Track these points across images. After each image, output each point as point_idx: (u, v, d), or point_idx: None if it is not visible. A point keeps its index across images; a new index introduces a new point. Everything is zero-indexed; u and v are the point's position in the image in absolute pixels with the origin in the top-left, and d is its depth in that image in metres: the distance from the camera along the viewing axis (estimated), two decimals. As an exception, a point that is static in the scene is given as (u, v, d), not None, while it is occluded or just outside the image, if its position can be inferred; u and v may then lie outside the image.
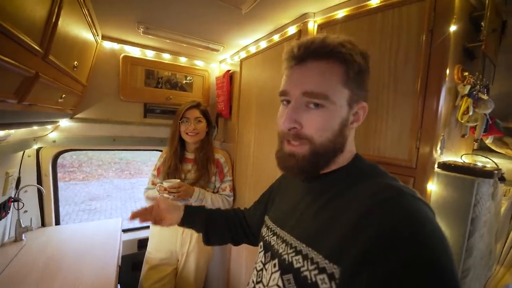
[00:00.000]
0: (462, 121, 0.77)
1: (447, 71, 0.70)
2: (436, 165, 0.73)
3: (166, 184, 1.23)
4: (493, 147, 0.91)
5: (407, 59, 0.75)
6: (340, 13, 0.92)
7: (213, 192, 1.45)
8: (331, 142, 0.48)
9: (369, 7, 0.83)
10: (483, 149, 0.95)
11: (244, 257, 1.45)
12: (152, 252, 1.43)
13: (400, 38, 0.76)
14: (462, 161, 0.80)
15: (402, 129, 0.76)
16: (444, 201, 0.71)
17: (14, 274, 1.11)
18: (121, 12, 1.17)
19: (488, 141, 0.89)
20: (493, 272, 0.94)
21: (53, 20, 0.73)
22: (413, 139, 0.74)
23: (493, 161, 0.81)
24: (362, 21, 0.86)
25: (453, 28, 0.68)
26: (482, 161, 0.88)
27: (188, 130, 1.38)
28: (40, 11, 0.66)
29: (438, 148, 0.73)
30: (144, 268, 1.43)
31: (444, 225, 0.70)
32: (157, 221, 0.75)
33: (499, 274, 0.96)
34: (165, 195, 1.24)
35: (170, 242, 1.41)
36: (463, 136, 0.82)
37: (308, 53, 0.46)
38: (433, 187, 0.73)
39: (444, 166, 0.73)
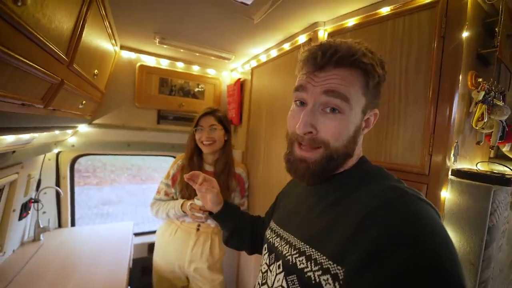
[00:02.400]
0: (477, 128, 0.76)
1: (460, 77, 0.69)
2: (450, 172, 0.72)
3: (199, 202, 1.13)
4: (511, 155, 0.88)
5: (418, 66, 0.75)
6: (351, 22, 0.93)
7: None
8: (345, 147, 0.48)
9: (380, 15, 0.85)
10: (500, 157, 0.92)
11: (253, 262, 1.44)
12: (159, 263, 1.34)
13: (411, 45, 0.77)
14: (477, 169, 0.78)
15: (414, 135, 0.76)
16: (459, 209, 0.69)
17: (32, 273, 1.16)
18: (139, 24, 1.23)
19: (505, 149, 0.86)
20: (515, 287, 0.89)
21: (78, 31, 0.79)
22: (425, 146, 0.73)
23: (511, 169, 0.78)
24: (372, 29, 0.87)
25: (465, 34, 0.68)
26: (499, 169, 0.85)
27: (202, 138, 1.26)
28: (68, 23, 0.71)
29: (451, 155, 0.72)
30: (155, 277, 1.36)
31: (459, 234, 0.68)
32: (203, 195, 0.79)
33: (521, 289, 0.91)
34: (197, 214, 1.17)
35: (178, 257, 1.29)
36: (478, 143, 0.80)
37: (332, 61, 0.45)
38: (447, 195, 0.71)
39: (459, 173, 0.71)
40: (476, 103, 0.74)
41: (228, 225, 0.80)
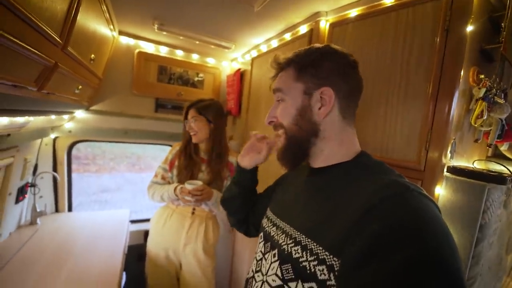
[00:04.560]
0: (476, 125, 0.75)
1: (462, 73, 0.68)
2: (445, 169, 0.71)
3: (189, 186, 1.18)
4: (509, 155, 0.88)
5: (420, 60, 0.74)
6: (353, 12, 0.91)
7: None
8: (295, 125, 0.55)
9: (383, 6, 0.82)
10: (498, 156, 0.91)
11: (247, 252, 1.46)
12: (153, 250, 1.35)
13: (414, 38, 0.75)
14: (473, 167, 0.77)
15: (412, 130, 0.75)
16: (452, 206, 0.69)
17: (28, 256, 1.17)
18: (138, 9, 1.20)
19: (503, 148, 0.85)
20: (503, 284, 0.90)
21: (73, 13, 0.76)
22: (422, 142, 0.72)
23: (508, 169, 0.78)
24: (375, 21, 0.85)
25: (470, 28, 0.66)
26: (496, 168, 0.84)
27: (188, 129, 1.33)
28: (61, 4, 0.69)
29: (448, 152, 0.71)
30: (149, 265, 1.37)
31: (451, 229, 0.68)
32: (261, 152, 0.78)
33: (509, 286, 0.92)
34: (187, 197, 1.20)
35: (173, 241, 1.31)
36: (476, 141, 0.79)
37: (278, 68, 0.61)
38: (442, 191, 0.71)
39: (454, 170, 0.71)
40: (477, 100, 0.73)
41: (246, 184, 0.80)
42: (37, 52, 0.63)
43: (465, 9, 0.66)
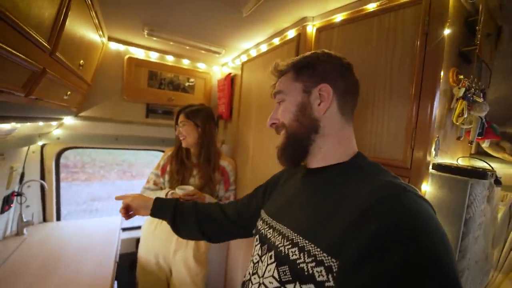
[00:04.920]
0: (457, 123, 0.78)
1: (442, 74, 0.71)
2: (430, 166, 0.74)
3: (180, 191, 1.18)
4: (490, 152, 0.91)
5: (402, 62, 0.77)
6: (338, 17, 0.94)
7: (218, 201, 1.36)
8: (296, 121, 0.57)
9: (366, 11, 0.86)
10: (480, 153, 0.95)
11: (241, 258, 1.45)
12: (144, 257, 1.35)
13: (396, 41, 0.78)
14: (457, 163, 0.80)
15: (398, 130, 0.77)
16: (439, 202, 0.71)
17: (14, 267, 1.13)
18: (127, 15, 1.21)
19: (485, 145, 0.89)
20: (491, 279, 0.93)
21: (61, 19, 0.76)
22: (408, 140, 0.75)
23: (489, 165, 0.81)
24: (359, 25, 0.88)
25: (447, 31, 0.70)
26: (479, 165, 0.88)
27: (178, 134, 1.35)
28: (49, 10, 0.69)
29: (432, 150, 0.73)
30: (139, 272, 1.36)
31: (437, 226, 0.71)
32: (131, 215, 0.88)
33: (497, 280, 0.95)
34: None
35: (163, 246, 1.31)
36: (458, 138, 0.82)
37: (279, 74, 0.64)
38: (428, 188, 0.73)
39: (439, 167, 0.73)
40: (457, 99, 0.76)
41: (167, 215, 0.82)
42: (24, 57, 0.62)
43: (442, 14, 0.70)
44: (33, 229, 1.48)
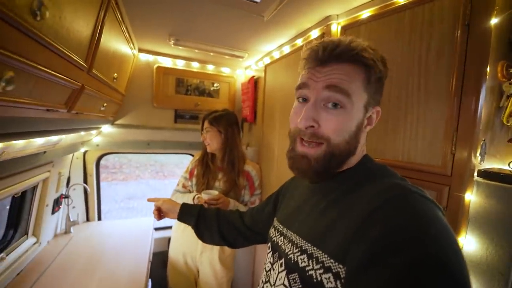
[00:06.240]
0: (508, 124, 0.69)
1: (488, 69, 0.63)
2: (476, 173, 0.66)
3: (205, 196, 1.19)
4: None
5: (439, 57, 0.70)
6: (365, 13, 0.88)
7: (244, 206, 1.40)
8: (347, 143, 0.48)
9: (396, 5, 0.79)
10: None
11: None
12: (174, 257, 1.42)
13: (432, 35, 0.71)
14: (510, 170, 0.71)
15: (435, 132, 0.71)
16: (486, 214, 0.64)
17: (64, 263, 1.26)
18: (154, 27, 1.27)
19: (544, 146, 0.77)
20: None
21: (96, 38, 0.83)
22: (447, 144, 0.68)
23: (550, 170, 0.70)
24: (388, 20, 0.82)
25: (494, 21, 0.62)
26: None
27: (203, 140, 1.39)
28: (86, 31, 0.75)
29: (478, 154, 0.66)
30: (170, 271, 1.44)
31: (486, 241, 0.63)
32: (162, 216, 0.93)
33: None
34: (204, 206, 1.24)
35: (191, 247, 1.37)
36: (510, 141, 0.73)
37: (333, 56, 0.46)
38: (473, 198, 0.66)
39: (486, 174, 0.65)
40: (508, 97, 0.68)
41: (191, 220, 0.86)
42: (65, 77, 0.69)
43: (488, 1, 0.62)
44: (78, 227, 1.65)
